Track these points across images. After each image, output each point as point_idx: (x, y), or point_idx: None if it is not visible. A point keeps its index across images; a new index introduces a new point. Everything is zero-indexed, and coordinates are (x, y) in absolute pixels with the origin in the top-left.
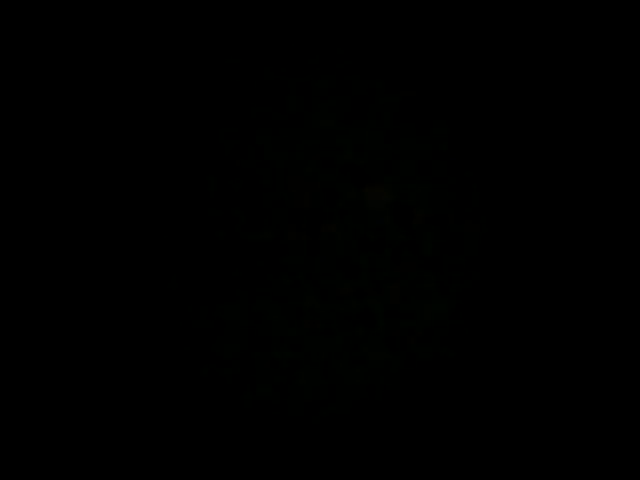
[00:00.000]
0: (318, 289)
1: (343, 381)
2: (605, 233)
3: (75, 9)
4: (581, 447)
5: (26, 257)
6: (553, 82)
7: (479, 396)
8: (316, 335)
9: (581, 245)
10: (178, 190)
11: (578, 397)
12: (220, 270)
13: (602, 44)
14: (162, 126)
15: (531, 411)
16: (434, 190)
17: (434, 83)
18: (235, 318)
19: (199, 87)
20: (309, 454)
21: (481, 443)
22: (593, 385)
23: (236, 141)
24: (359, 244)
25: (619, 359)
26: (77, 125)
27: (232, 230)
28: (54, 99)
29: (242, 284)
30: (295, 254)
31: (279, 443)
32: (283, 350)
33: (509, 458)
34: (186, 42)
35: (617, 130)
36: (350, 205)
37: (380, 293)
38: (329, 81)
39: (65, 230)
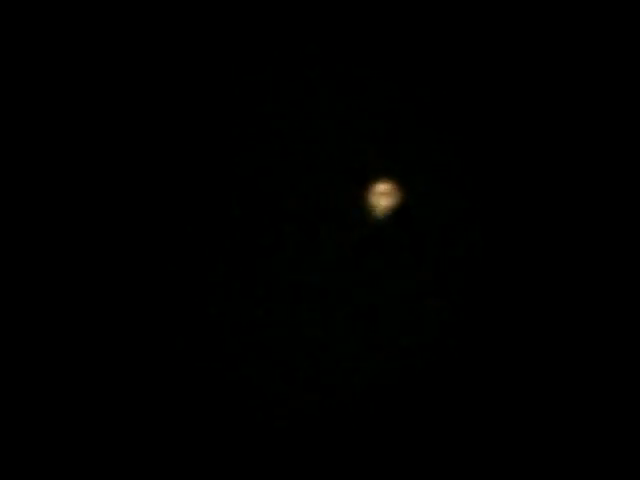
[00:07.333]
0: (317, 289)
1: (342, 381)
2: (606, 234)
3: (75, 9)
4: (581, 447)
5: (29, 254)
6: (555, 82)
7: (479, 396)
8: (315, 335)
9: (583, 246)
10: (176, 191)
11: (579, 398)
12: (219, 270)
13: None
14: (160, 126)
15: (531, 411)
16: (434, 190)
17: (435, 83)
18: (234, 319)
19: (196, 87)
20: (307, 454)
21: (482, 443)
22: (594, 387)
23: (235, 141)
24: (359, 244)
25: (620, 359)
26: (77, 126)
27: (231, 231)
28: (54, 99)
29: (241, 284)
30: (295, 254)
31: (277, 443)
32: (282, 350)
33: (509, 459)
34: (182, 45)
35: (617, 136)
36: (350, 206)
37: (380, 293)
38: (329, 81)
39: (60, 226)
